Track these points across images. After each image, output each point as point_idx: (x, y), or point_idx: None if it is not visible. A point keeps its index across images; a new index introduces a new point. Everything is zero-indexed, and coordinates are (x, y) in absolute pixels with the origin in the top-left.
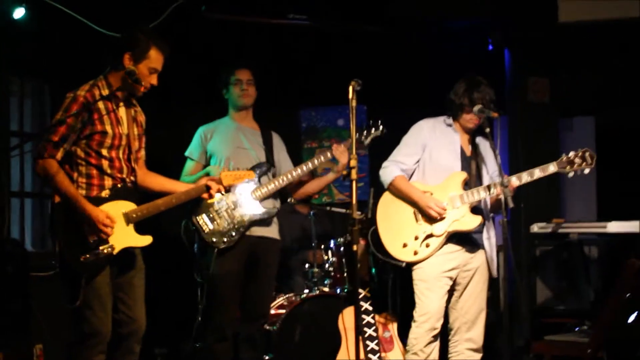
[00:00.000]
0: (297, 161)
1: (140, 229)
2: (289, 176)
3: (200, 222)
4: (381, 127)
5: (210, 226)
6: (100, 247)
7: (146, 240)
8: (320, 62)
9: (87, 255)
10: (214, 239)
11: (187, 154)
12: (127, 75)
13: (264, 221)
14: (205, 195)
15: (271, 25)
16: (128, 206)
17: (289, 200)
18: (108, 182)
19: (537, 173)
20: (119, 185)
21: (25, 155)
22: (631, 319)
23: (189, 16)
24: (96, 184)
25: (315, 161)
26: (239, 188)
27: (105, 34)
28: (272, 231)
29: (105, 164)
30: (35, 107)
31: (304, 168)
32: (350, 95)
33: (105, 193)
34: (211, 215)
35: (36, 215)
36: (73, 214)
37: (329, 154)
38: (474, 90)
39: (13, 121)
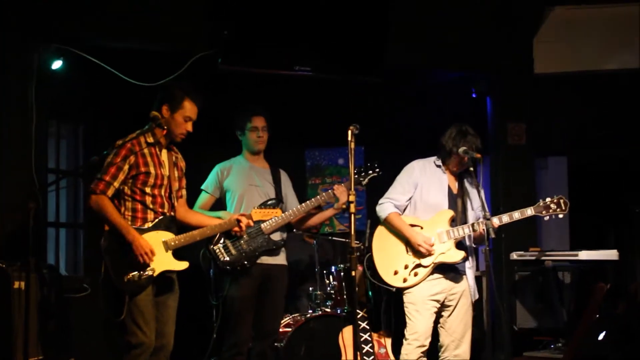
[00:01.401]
0: (302, 195)
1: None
2: (296, 211)
3: (217, 252)
4: (377, 169)
5: (226, 256)
6: (142, 270)
7: (183, 265)
8: (323, 109)
9: (130, 276)
10: (229, 267)
11: (203, 187)
12: (152, 120)
13: (273, 251)
14: (236, 229)
15: (280, 75)
16: (168, 235)
17: (294, 230)
18: (151, 215)
19: (516, 216)
20: (160, 218)
21: (60, 190)
22: (600, 336)
23: (207, 68)
24: (140, 216)
25: (320, 198)
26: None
27: (133, 83)
28: (280, 259)
29: (148, 200)
30: (70, 147)
31: (309, 205)
32: (350, 138)
33: (147, 225)
34: (227, 246)
35: (70, 243)
36: (121, 241)
37: (331, 193)
38: (462, 139)
39: (50, 159)
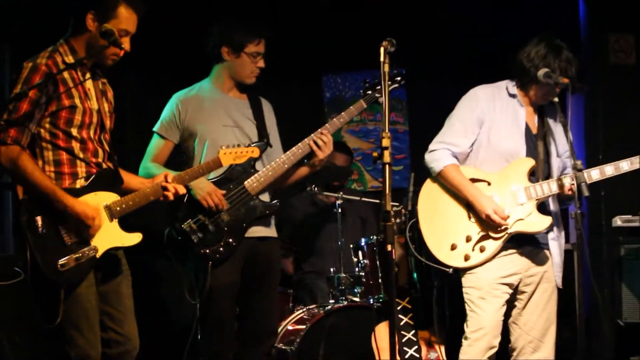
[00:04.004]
0: None
1: (125, 225)
2: (286, 159)
3: (187, 231)
4: (399, 78)
5: (200, 234)
6: (81, 250)
7: (134, 238)
8: (345, 18)
9: (66, 261)
10: (207, 250)
11: (155, 129)
12: (103, 36)
13: (264, 219)
14: (161, 199)
15: None
16: (110, 198)
17: (308, 188)
18: (82, 169)
19: (625, 166)
20: (97, 172)
21: None
22: None
23: None
24: (67, 172)
25: (307, 144)
26: (230, 180)
27: None
28: (272, 230)
29: (76, 146)
30: None
31: (298, 151)
32: (382, 58)
33: (79, 183)
34: (200, 221)
35: None
36: (45, 211)
37: (308, 142)
38: (556, 57)
39: None
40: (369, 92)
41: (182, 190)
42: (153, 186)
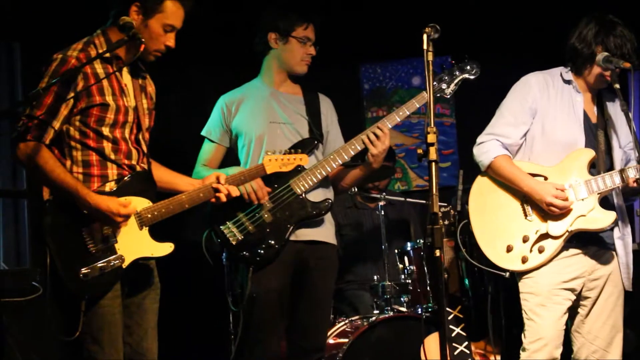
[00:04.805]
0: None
1: (156, 234)
2: (342, 157)
3: (226, 233)
4: (472, 69)
5: (240, 236)
6: (106, 259)
7: (165, 248)
8: (385, 2)
9: (89, 270)
10: (246, 253)
11: (204, 132)
12: (121, 30)
13: (313, 220)
14: (212, 200)
15: None
16: (141, 203)
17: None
18: (112, 171)
19: None
20: (129, 176)
21: None
22: None
23: None
24: (97, 174)
25: (366, 139)
26: (275, 178)
27: None
28: (325, 233)
29: (107, 147)
30: (1, 71)
31: (351, 148)
32: (425, 46)
33: (109, 186)
34: (240, 221)
35: (8, 220)
36: (70, 214)
37: (363, 139)
38: (610, 35)
39: None
40: (434, 83)
41: (235, 192)
42: (203, 187)
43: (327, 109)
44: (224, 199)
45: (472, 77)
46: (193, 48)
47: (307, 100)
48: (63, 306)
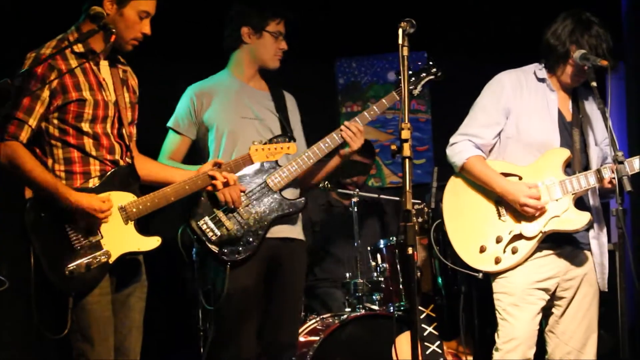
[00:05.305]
0: (332, 129)
1: (142, 227)
2: (312, 154)
3: (203, 228)
4: (436, 70)
5: (217, 232)
6: (92, 255)
7: (152, 242)
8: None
9: (75, 266)
10: (224, 250)
11: (170, 124)
12: (92, 20)
13: (288, 218)
14: (209, 188)
15: None
16: (126, 198)
17: (321, 185)
18: (95, 167)
19: None
20: (112, 171)
21: None
22: None
23: None
24: (79, 171)
25: (336, 137)
26: (251, 175)
27: None
28: (297, 231)
29: (88, 143)
30: None
31: (324, 146)
32: (401, 41)
33: (92, 182)
34: (217, 218)
35: None
36: (53, 211)
37: (336, 136)
38: (585, 34)
39: None
40: (412, 79)
41: (233, 179)
42: (200, 175)
43: (292, 106)
44: (220, 186)
45: (437, 79)
46: (155, 40)
47: (274, 97)
48: (50, 304)
